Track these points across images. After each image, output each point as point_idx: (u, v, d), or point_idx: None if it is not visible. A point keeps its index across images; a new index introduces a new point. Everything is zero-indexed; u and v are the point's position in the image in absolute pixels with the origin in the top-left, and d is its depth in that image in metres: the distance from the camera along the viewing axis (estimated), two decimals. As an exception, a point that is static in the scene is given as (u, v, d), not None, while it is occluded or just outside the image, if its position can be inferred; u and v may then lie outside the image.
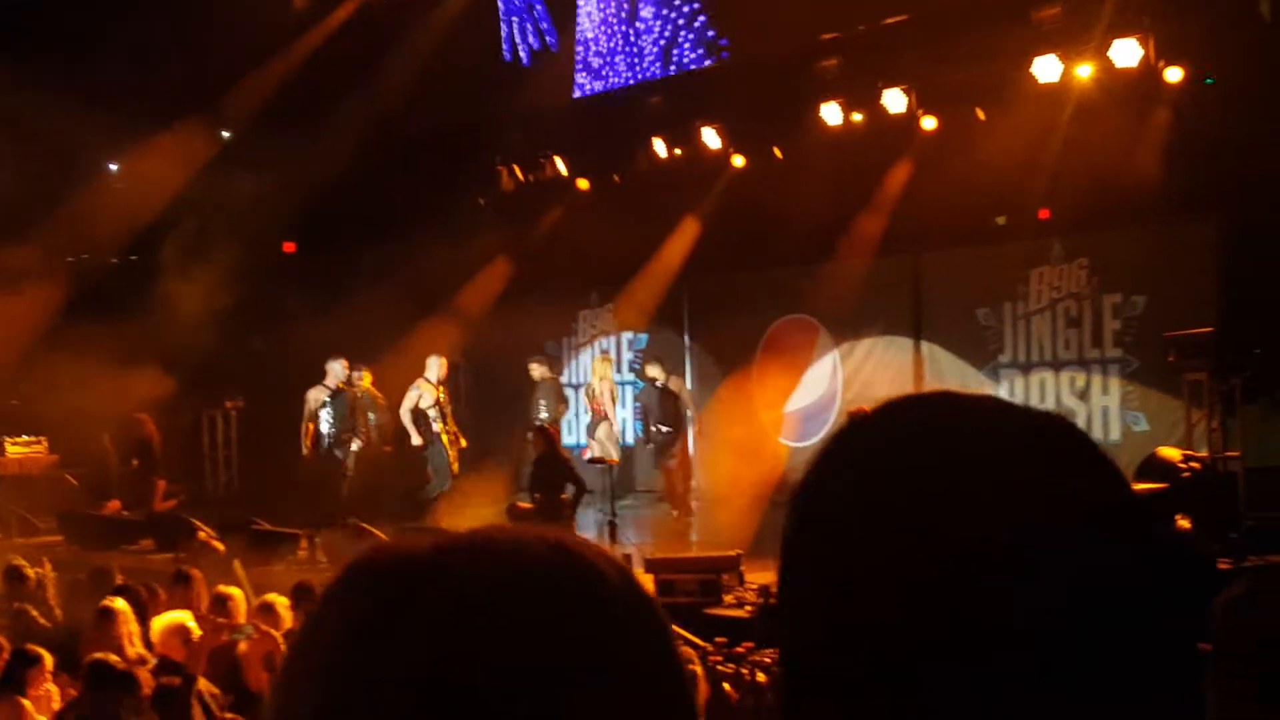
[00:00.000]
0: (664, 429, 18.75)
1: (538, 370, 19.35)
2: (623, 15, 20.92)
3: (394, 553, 1.08)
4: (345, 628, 1.04)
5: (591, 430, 19.51)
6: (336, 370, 18.33)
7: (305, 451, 18.36)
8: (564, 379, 22.05)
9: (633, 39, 20.86)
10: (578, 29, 21.50)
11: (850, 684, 1.08)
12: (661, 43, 20.71)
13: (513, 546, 1.07)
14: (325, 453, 18.15)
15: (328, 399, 18.22)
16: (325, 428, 18.10)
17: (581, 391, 20.45)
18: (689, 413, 19.33)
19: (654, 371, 19.10)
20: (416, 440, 18.29)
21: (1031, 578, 1.05)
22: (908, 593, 1.07)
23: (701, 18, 20.14)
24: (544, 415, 18.71)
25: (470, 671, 1.00)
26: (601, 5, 21.14)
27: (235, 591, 10.00)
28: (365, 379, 18.95)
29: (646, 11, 20.80)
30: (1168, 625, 1.08)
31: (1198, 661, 1.08)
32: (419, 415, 18.33)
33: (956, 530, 1.07)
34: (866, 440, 1.20)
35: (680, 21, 20.55)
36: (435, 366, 18.50)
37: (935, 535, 1.07)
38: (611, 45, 21.16)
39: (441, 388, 18.54)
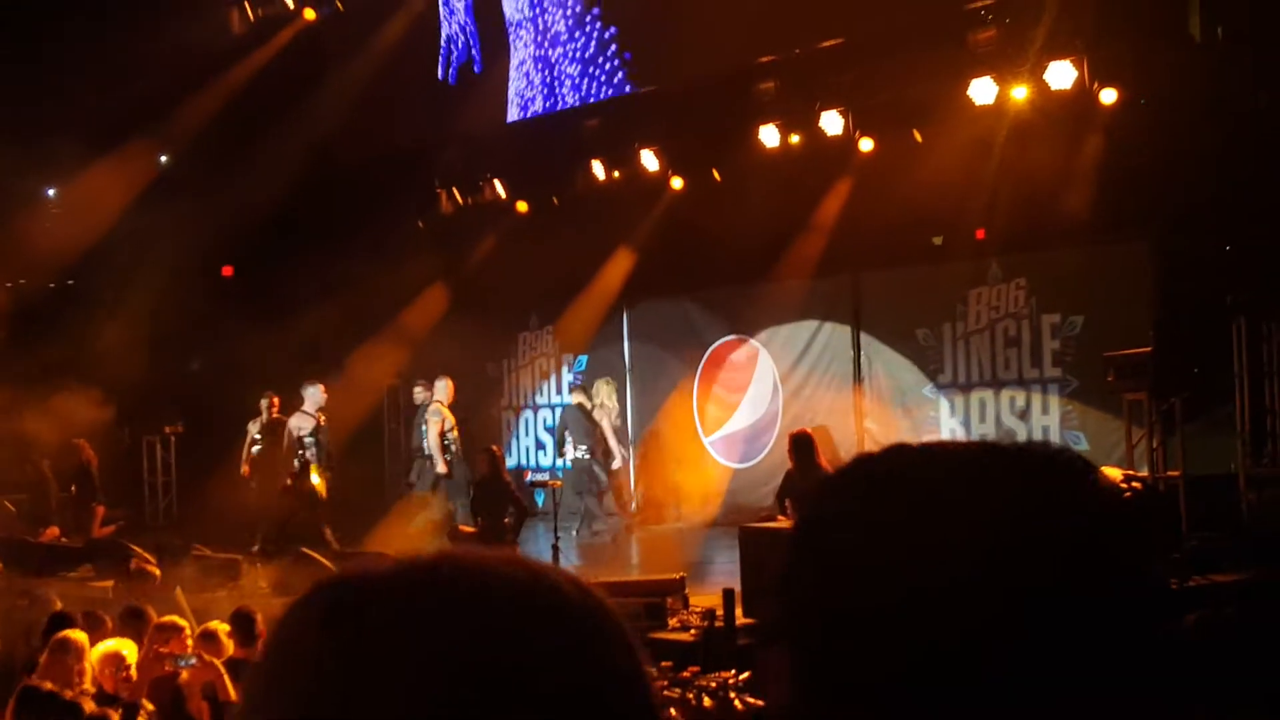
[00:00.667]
0: (583, 454, 18.76)
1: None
2: (545, 41, 20.90)
3: (349, 577, 1.09)
4: (300, 653, 1.05)
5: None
6: (315, 395, 18.21)
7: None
8: (503, 401, 22.04)
9: (553, 64, 20.86)
10: (511, 53, 21.47)
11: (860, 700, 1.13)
12: (576, 70, 20.69)
13: (474, 565, 1.09)
14: (304, 480, 18.05)
15: (310, 426, 18.10)
16: (310, 455, 17.96)
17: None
18: (613, 443, 19.25)
19: (579, 397, 19.15)
20: (442, 468, 18.12)
21: (1013, 614, 1.09)
22: (904, 625, 1.11)
23: (615, 45, 20.16)
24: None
25: (470, 685, 1.01)
26: (527, 31, 21.12)
27: (181, 621, 9.88)
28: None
29: (563, 37, 20.78)
30: (1145, 650, 1.13)
31: (1171, 680, 1.11)
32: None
33: (949, 569, 1.12)
34: (869, 484, 1.22)
35: (593, 48, 20.54)
36: (443, 389, 18.42)
37: (930, 573, 1.12)
38: (538, 72, 21.13)
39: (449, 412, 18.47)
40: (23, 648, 10.06)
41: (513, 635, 1.04)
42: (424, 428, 18.29)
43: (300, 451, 17.93)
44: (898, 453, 1.25)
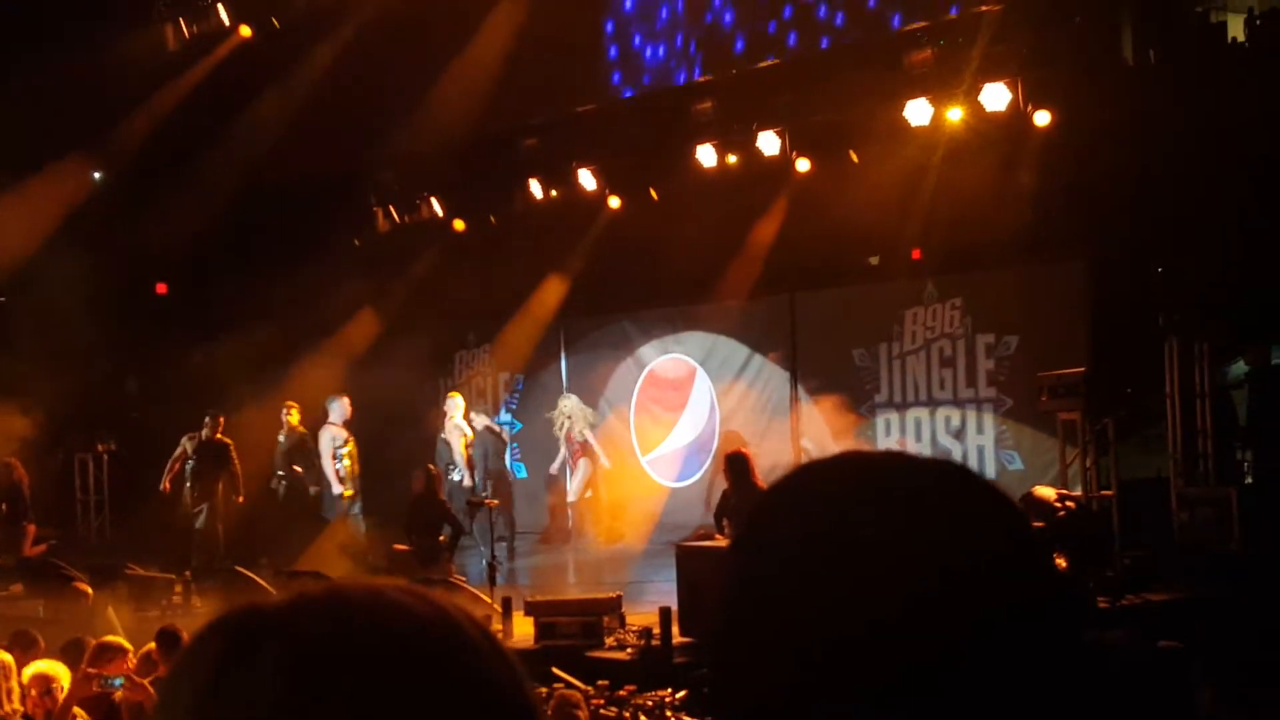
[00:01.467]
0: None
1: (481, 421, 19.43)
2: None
3: (248, 609, 1.12)
4: (198, 683, 1.08)
5: (573, 469, 19.71)
6: (340, 408, 18.32)
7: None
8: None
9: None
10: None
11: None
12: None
13: (368, 599, 1.11)
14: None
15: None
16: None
17: (560, 432, 20.24)
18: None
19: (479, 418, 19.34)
20: (337, 488, 18.08)
21: (938, 623, 1.11)
22: (837, 639, 1.13)
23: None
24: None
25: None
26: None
27: (126, 643, 9.77)
28: (294, 415, 18.84)
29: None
30: (1063, 660, 1.15)
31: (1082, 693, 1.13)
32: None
33: (874, 580, 1.13)
34: (801, 499, 1.23)
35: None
36: (338, 409, 18.38)
37: (856, 584, 1.14)
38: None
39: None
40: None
41: (410, 680, 1.07)
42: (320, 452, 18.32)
43: (280, 470, 17.99)
44: (822, 470, 1.25)
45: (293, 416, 18.86)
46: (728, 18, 18.23)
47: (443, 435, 18.82)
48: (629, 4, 19.29)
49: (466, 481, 18.34)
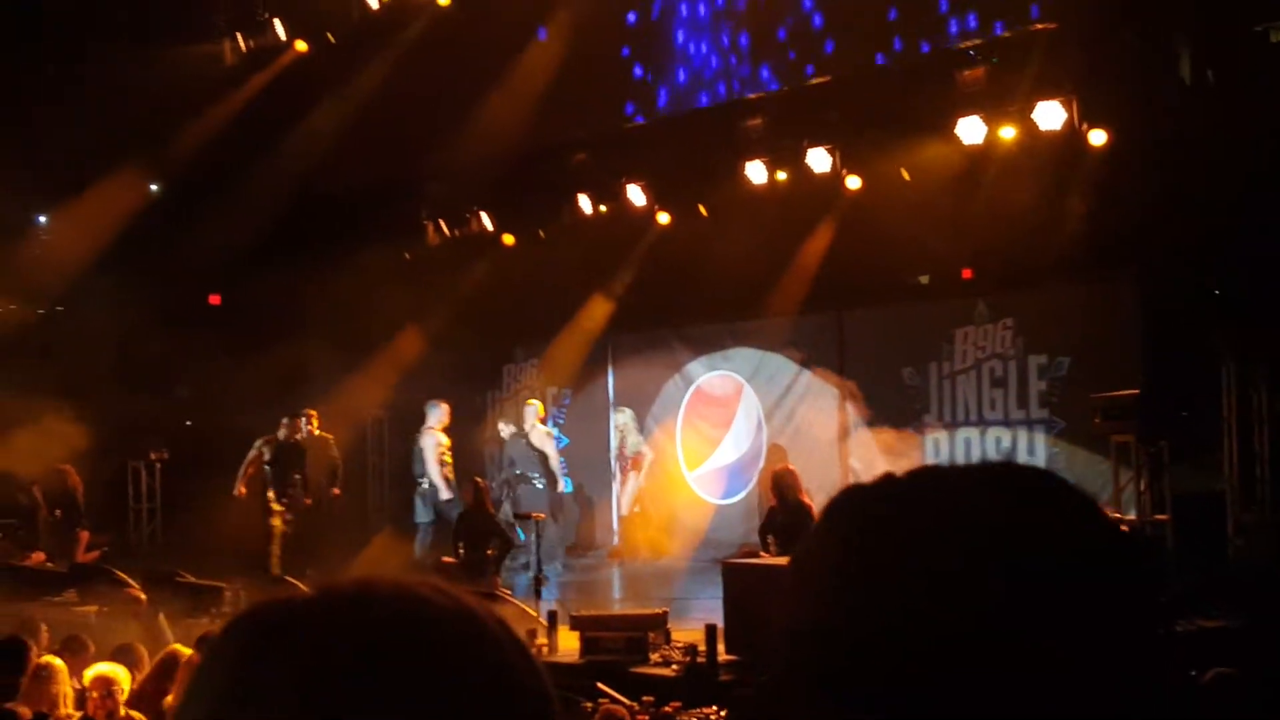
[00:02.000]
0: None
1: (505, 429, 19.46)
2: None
3: (274, 603, 1.14)
4: (226, 676, 1.10)
5: (623, 483, 19.79)
6: (440, 413, 18.56)
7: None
8: (487, 433, 21.95)
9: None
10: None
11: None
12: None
13: (394, 594, 1.12)
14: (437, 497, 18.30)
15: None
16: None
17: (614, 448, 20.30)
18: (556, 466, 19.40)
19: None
20: (447, 493, 18.20)
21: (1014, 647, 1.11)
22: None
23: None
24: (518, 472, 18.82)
25: (340, 707, 1.05)
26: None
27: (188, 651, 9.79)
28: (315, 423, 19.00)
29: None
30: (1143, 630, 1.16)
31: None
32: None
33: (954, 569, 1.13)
34: (869, 506, 1.23)
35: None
36: (437, 414, 18.63)
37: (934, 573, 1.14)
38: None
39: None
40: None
41: (436, 672, 1.08)
42: (423, 455, 18.41)
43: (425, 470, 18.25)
44: (892, 482, 1.24)
45: (314, 424, 18.96)
46: (781, 34, 18.16)
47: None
48: (684, 12, 19.21)
49: (444, 495, 18.37)
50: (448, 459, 18.43)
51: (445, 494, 18.06)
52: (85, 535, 18.81)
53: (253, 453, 18.74)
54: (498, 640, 1.13)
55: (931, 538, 1.15)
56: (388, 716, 1.05)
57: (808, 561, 1.22)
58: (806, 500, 13.90)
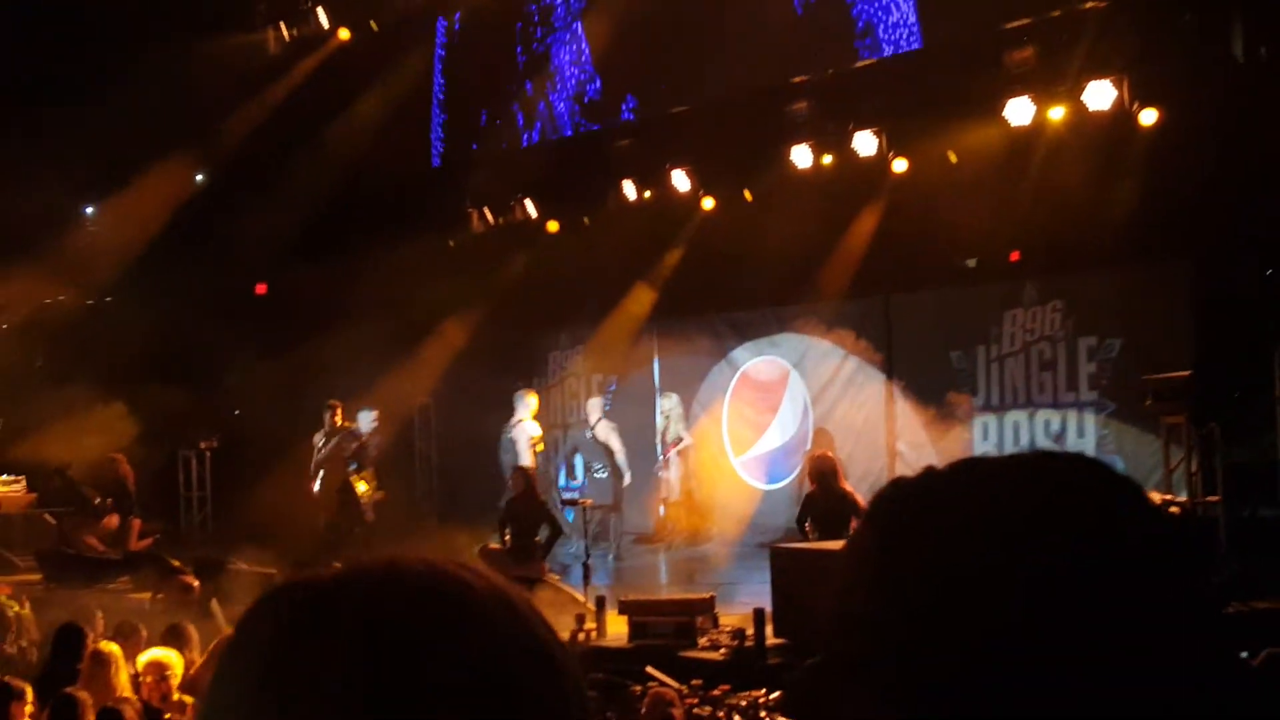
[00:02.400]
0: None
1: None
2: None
3: (305, 582, 1.13)
4: (261, 655, 1.09)
5: (668, 469, 19.87)
6: (530, 402, 18.94)
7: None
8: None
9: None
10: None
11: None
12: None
13: (424, 571, 1.12)
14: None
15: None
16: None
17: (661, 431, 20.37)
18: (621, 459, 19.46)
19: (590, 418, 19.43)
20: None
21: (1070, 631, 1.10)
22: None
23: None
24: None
25: (384, 685, 1.04)
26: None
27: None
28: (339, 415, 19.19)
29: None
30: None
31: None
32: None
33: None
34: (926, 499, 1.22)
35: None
36: (525, 405, 19.02)
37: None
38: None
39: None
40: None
41: (477, 652, 1.08)
42: (515, 446, 18.52)
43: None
44: (931, 476, 1.24)
45: (337, 416, 19.05)
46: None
47: (511, 435, 18.86)
48: None
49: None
50: (540, 448, 18.59)
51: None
52: (138, 523, 19.02)
53: (315, 452, 18.95)
54: (531, 620, 1.13)
55: (966, 531, 1.14)
56: (431, 696, 1.04)
57: (852, 552, 1.22)
58: (846, 487, 13.87)
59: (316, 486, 18.91)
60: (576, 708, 1.12)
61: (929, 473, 1.22)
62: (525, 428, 18.69)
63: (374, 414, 19.01)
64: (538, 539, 15.84)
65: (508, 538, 16.02)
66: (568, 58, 20.62)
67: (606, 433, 19.14)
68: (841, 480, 13.95)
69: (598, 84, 20.39)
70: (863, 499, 13.35)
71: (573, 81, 20.65)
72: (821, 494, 13.78)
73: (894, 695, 1.11)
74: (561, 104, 20.83)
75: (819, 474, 13.94)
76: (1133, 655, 1.09)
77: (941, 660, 1.10)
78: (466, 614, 1.09)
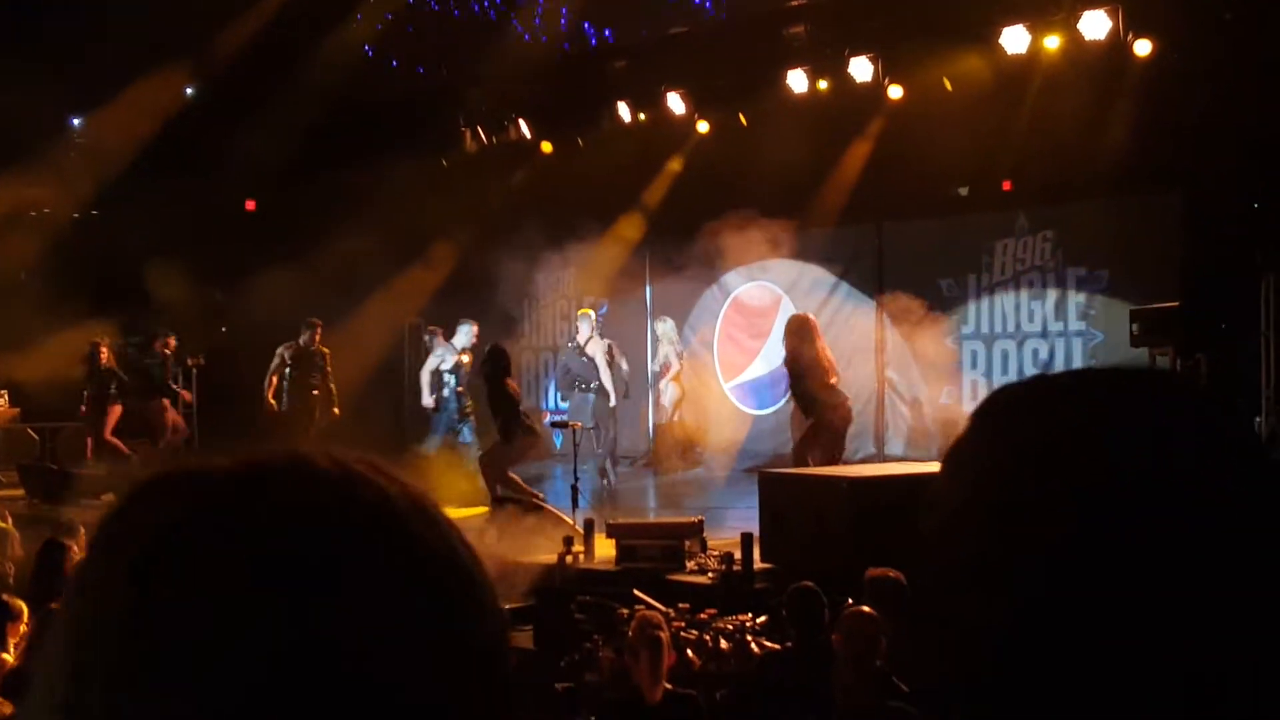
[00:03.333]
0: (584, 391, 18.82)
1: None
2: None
3: (189, 471, 0.97)
4: (136, 554, 0.92)
5: (660, 393, 19.86)
6: (467, 333, 18.60)
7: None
8: (523, 342, 21.97)
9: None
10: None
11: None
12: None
13: (334, 472, 0.96)
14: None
15: (452, 361, 18.47)
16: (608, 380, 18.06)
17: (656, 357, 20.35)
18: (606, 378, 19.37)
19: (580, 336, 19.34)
20: (428, 400, 18.27)
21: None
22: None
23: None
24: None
25: (295, 607, 0.89)
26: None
27: None
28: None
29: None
30: None
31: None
32: (435, 376, 18.42)
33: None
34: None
35: None
36: (465, 334, 18.48)
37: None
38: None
39: (466, 355, 18.51)
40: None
41: (395, 559, 0.94)
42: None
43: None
44: (1042, 381, 1.22)
45: (317, 336, 18.91)
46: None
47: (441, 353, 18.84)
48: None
49: (426, 400, 18.68)
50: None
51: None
52: (117, 409, 18.95)
53: (275, 361, 18.71)
54: (448, 532, 0.99)
55: (1083, 432, 1.12)
56: (349, 618, 0.90)
57: (964, 451, 1.19)
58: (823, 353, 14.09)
59: (280, 404, 18.70)
60: (493, 624, 0.98)
61: (1040, 378, 1.21)
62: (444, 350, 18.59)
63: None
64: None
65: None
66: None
67: (595, 351, 19.11)
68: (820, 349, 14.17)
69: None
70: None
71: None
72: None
73: (1003, 593, 1.10)
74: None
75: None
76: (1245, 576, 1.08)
77: (1075, 560, 1.08)
78: (385, 525, 0.95)
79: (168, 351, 19.22)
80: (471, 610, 0.97)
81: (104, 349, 18.99)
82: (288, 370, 18.57)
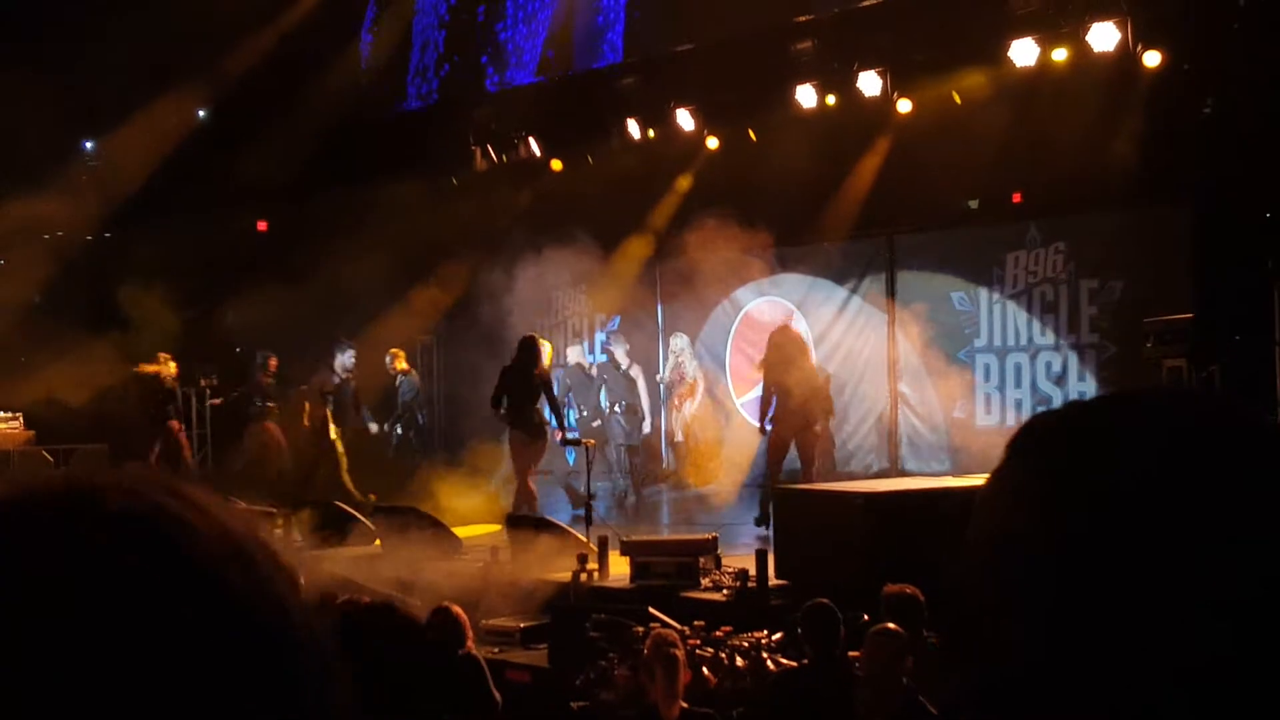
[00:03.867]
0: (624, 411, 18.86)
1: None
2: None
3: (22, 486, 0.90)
4: None
5: (677, 409, 19.98)
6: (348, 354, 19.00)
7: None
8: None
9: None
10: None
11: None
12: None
13: (123, 502, 0.88)
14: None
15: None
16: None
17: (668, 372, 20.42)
18: (643, 399, 19.49)
19: (619, 355, 19.36)
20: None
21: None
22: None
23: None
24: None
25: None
26: None
27: None
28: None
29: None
30: None
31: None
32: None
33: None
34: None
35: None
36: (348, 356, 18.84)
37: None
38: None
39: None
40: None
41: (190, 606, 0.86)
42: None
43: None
44: (1094, 403, 1.21)
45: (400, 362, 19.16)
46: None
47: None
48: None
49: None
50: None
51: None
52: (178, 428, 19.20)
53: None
54: (267, 573, 0.92)
55: (1124, 456, 1.11)
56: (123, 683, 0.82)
57: (1004, 481, 1.18)
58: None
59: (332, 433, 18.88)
60: (312, 686, 0.90)
61: (1074, 405, 1.20)
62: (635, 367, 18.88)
63: (352, 350, 19.03)
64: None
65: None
66: None
67: (636, 373, 19.34)
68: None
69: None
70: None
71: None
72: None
73: (1053, 619, 1.09)
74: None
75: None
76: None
77: (1105, 581, 1.07)
78: (183, 569, 0.87)
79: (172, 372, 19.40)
80: (282, 668, 0.89)
81: (170, 369, 19.21)
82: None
